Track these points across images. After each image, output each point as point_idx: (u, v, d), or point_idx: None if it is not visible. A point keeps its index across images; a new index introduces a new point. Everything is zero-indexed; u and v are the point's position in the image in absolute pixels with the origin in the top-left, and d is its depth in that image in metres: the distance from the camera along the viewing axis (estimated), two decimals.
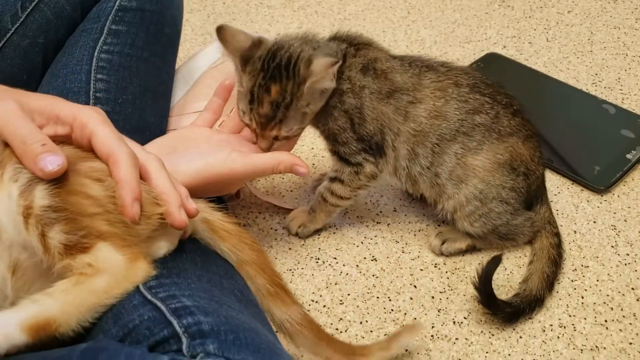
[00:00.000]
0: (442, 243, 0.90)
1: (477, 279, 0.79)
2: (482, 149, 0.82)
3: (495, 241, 0.88)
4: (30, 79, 0.86)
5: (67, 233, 0.51)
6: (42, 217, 0.51)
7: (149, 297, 0.53)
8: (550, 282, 0.84)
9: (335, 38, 0.85)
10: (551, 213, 0.90)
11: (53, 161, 0.52)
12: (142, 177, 0.59)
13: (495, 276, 0.86)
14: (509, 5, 1.40)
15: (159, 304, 0.52)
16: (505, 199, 0.84)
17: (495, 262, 0.79)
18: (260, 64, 0.76)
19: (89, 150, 0.57)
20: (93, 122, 0.56)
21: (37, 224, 0.51)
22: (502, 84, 0.86)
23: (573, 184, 1.00)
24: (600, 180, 0.98)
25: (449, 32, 1.34)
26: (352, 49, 0.83)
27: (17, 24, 0.84)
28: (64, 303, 0.49)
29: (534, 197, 0.88)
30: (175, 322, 0.50)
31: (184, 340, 0.49)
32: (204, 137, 0.81)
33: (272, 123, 0.78)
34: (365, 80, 0.81)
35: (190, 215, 0.60)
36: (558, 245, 0.88)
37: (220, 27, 0.78)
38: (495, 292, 0.84)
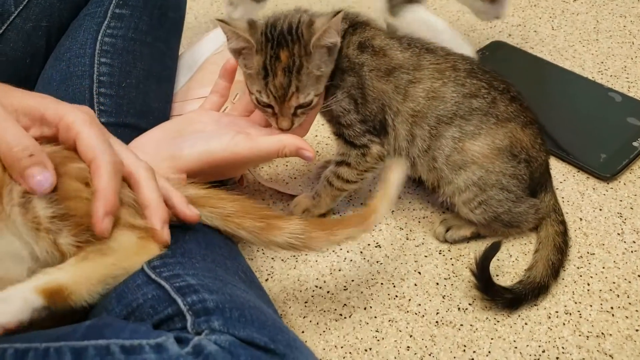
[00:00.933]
0: (447, 230, 0.89)
1: (475, 265, 0.78)
2: (480, 134, 0.81)
3: (499, 228, 0.87)
4: (33, 62, 0.86)
5: (76, 235, 0.52)
6: (49, 227, 0.51)
7: (153, 276, 0.53)
8: (555, 269, 0.83)
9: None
10: (556, 201, 0.89)
11: (41, 182, 0.50)
12: (131, 185, 0.57)
13: (500, 263, 0.86)
14: None
15: (162, 282, 0.52)
16: (506, 186, 0.83)
17: (494, 248, 0.79)
18: (264, 38, 0.75)
19: (75, 151, 0.56)
20: (79, 123, 0.54)
21: (47, 235, 0.51)
22: (499, 72, 0.86)
23: (579, 171, 0.99)
24: (606, 168, 0.98)
25: (454, 20, 1.33)
26: (349, 28, 0.82)
27: (21, 7, 0.84)
28: (74, 274, 0.50)
29: (538, 184, 0.88)
30: (179, 300, 0.50)
31: (189, 317, 0.48)
32: (212, 120, 0.80)
33: (290, 92, 0.75)
34: (363, 57, 0.81)
35: (191, 221, 0.59)
36: (564, 233, 0.87)
37: (221, 20, 0.76)
38: (501, 279, 0.84)
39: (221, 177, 0.80)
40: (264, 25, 0.76)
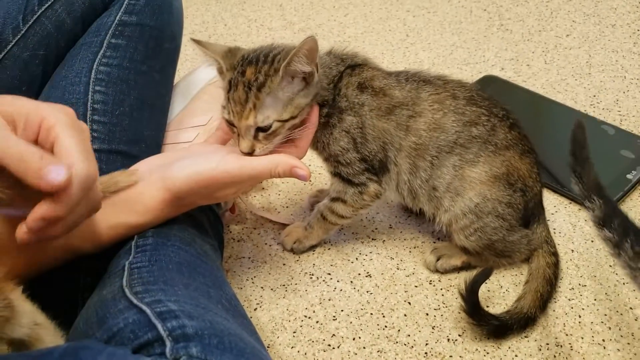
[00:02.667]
0: (437, 259, 0.89)
1: (464, 288, 0.78)
2: (479, 162, 0.82)
3: (491, 258, 0.87)
4: (29, 90, 0.87)
5: None
6: None
7: (135, 301, 0.53)
8: (543, 301, 0.82)
9: (331, 53, 0.85)
10: (548, 232, 0.89)
11: (58, 175, 0.49)
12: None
13: (491, 294, 0.86)
14: (507, 29, 1.41)
15: (144, 307, 0.52)
16: (501, 214, 0.83)
17: (485, 274, 0.79)
18: (241, 59, 0.76)
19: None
20: (60, 125, 0.53)
21: None
22: (497, 100, 0.86)
23: (570, 203, 0.99)
24: None
25: (447, 54, 1.35)
26: (348, 67, 0.83)
27: (18, 36, 0.85)
28: None
29: (532, 215, 0.87)
30: (159, 325, 0.49)
31: (168, 343, 0.48)
32: (210, 149, 0.79)
33: (247, 108, 0.73)
34: (363, 98, 0.81)
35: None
36: (555, 265, 0.86)
37: (195, 40, 0.78)
38: (491, 309, 0.83)
39: (213, 199, 0.77)
40: (248, 51, 0.77)
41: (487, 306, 0.84)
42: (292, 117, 0.75)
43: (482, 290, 0.80)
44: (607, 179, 1.00)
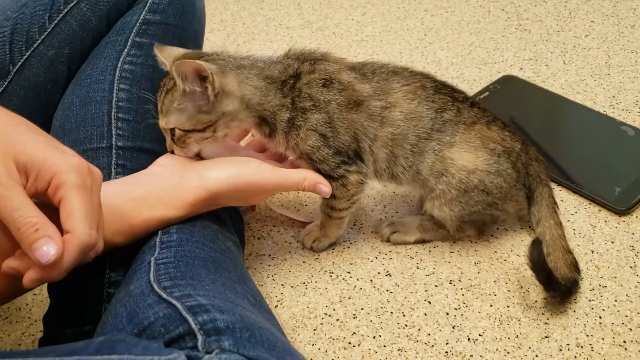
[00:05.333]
0: (392, 233, 0.94)
1: (531, 263, 0.81)
2: (455, 141, 0.84)
3: (451, 230, 0.92)
4: (54, 88, 0.88)
5: None
6: None
7: (164, 295, 0.54)
8: (575, 265, 0.86)
9: (287, 56, 0.84)
10: (554, 203, 0.91)
11: (47, 253, 0.50)
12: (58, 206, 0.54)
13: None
14: (526, 29, 1.41)
15: (174, 302, 0.52)
16: (488, 187, 0.86)
17: (538, 244, 0.82)
18: None
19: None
20: (67, 187, 0.53)
21: None
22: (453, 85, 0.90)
23: (590, 204, 0.99)
24: (621, 202, 0.98)
25: (465, 53, 1.35)
26: (306, 64, 0.81)
27: (44, 35, 0.87)
28: None
29: (532, 178, 0.90)
30: (190, 320, 0.50)
31: (200, 337, 0.49)
32: (246, 157, 0.81)
33: (160, 110, 0.77)
34: (329, 94, 0.80)
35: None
36: (563, 238, 0.89)
37: (158, 45, 0.81)
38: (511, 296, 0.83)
39: (242, 202, 0.81)
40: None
41: (508, 306, 0.84)
42: (196, 130, 0.76)
43: (508, 288, 0.80)
44: (627, 180, 1.00)
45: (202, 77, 0.73)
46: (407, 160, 0.84)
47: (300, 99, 0.79)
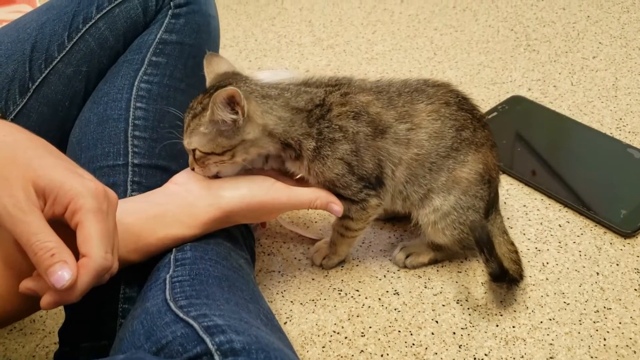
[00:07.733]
0: (407, 257, 0.94)
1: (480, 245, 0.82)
2: (468, 161, 0.85)
3: (457, 251, 0.92)
4: (72, 105, 0.90)
5: None
6: None
7: (181, 315, 0.55)
8: (519, 273, 0.89)
9: (309, 84, 0.84)
10: (502, 221, 0.93)
11: (62, 278, 0.51)
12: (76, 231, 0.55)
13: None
14: (534, 50, 1.43)
15: (191, 321, 0.54)
16: (477, 208, 0.87)
17: (482, 228, 0.82)
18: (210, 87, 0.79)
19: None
20: (84, 212, 0.54)
21: None
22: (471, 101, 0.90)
23: (596, 225, 1.00)
24: (626, 224, 0.99)
25: (474, 73, 1.37)
26: (336, 95, 0.81)
27: (63, 53, 0.89)
28: None
29: (492, 205, 0.91)
30: (208, 340, 0.51)
31: (217, 357, 0.50)
32: (260, 177, 0.82)
33: (186, 129, 0.78)
34: (359, 126, 0.81)
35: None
36: (516, 252, 0.91)
37: (213, 54, 0.82)
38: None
39: (255, 220, 0.83)
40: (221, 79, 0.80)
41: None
42: (215, 153, 0.77)
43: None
44: (632, 203, 1.02)
45: (232, 102, 0.73)
46: (424, 179, 0.85)
47: (330, 130, 0.79)
